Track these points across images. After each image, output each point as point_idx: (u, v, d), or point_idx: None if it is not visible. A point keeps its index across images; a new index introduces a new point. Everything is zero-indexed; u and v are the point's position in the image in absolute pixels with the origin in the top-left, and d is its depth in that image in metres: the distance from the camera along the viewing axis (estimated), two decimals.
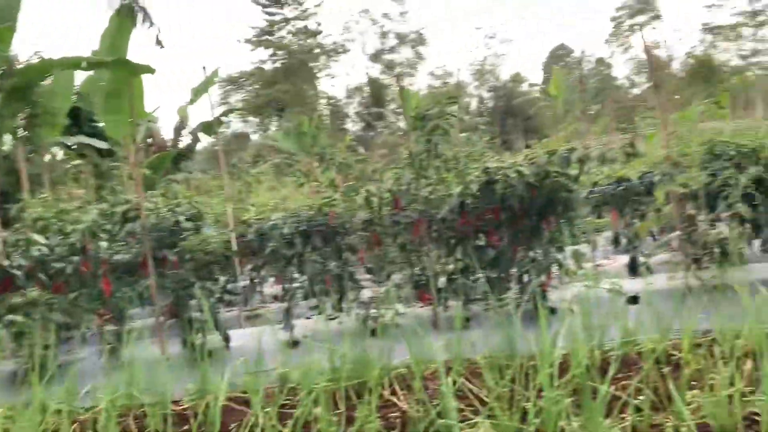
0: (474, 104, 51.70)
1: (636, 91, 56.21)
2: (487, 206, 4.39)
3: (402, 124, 29.33)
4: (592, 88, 53.31)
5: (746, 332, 3.06)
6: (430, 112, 4.68)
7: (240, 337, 5.07)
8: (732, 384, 2.53)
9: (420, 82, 54.09)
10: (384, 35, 51.62)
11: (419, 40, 51.70)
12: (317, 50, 45.37)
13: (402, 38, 51.22)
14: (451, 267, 4.66)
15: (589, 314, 3.52)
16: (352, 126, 46.11)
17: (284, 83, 41.80)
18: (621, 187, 4.62)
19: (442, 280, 4.67)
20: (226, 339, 4.79)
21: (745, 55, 48.34)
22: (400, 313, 4.88)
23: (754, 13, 45.62)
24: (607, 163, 5.99)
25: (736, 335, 3.11)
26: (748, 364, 2.68)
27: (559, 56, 65.33)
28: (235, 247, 5.26)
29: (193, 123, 17.12)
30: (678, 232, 4.40)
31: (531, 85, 51.57)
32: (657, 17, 53.25)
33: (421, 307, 4.90)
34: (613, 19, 54.66)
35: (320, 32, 45.00)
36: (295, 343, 4.56)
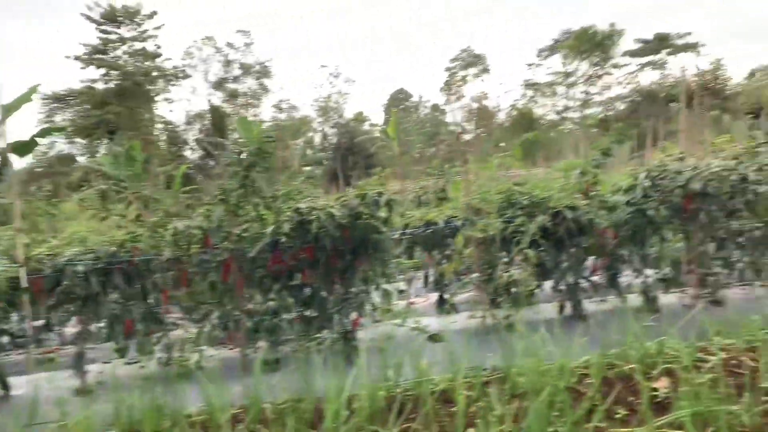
0: (317, 139, 52.31)
1: (467, 137, 60.53)
2: (301, 246, 4.40)
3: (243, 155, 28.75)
4: (427, 132, 56.56)
5: (525, 370, 3.30)
6: (249, 148, 4.62)
7: (25, 383, 4.55)
8: (502, 422, 2.72)
9: (264, 114, 53.52)
10: (228, 64, 50.77)
11: (264, 71, 51.55)
12: (155, 73, 43.35)
13: (246, 68, 50.74)
14: (263, 307, 4.58)
15: (391, 353, 3.62)
16: (191, 154, 44.22)
17: (117, 105, 39.27)
18: (429, 230, 4.88)
19: (253, 321, 4.56)
20: (5, 386, 4.27)
21: (559, 110, 54.26)
22: (207, 355, 4.69)
23: (566, 74, 51.51)
24: (421, 205, 6.33)
25: (518, 373, 3.35)
26: (518, 402, 2.91)
27: (398, 99, 68.52)
28: (25, 283, 4.74)
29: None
30: (477, 274, 4.73)
31: (372, 124, 53.45)
32: (486, 71, 58.11)
33: (231, 349, 4.75)
34: (447, 69, 58.66)
35: (159, 55, 43.11)
36: (87, 391, 4.19)
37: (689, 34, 46.75)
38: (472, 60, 58.02)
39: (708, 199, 4.85)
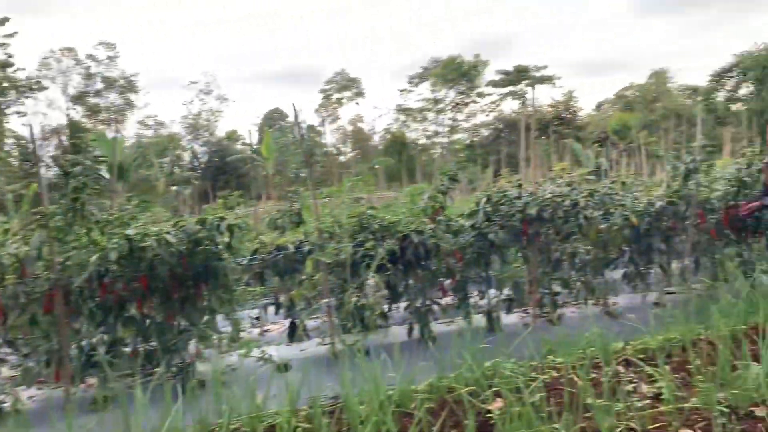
0: (186, 158, 50.25)
1: (342, 158, 61.05)
2: (133, 275, 4.09)
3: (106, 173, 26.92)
4: (302, 153, 56.36)
5: (367, 399, 3.24)
6: (76, 168, 4.24)
7: None
8: None
9: (129, 130, 50.71)
10: (89, 77, 47.69)
11: (129, 86, 48.97)
12: (5, 83, 39.80)
13: (110, 82, 47.95)
14: (93, 340, 4.20)
15: (232, 386, 3.43)
16: (46, 171, 40.78)
17: None
18: (279, 255, 4.76)
19: (81, 356, 4.17)
20: None
21: (429, 135, 56.35)
22: (29, 396, 4.22)
23: (435, 101, 53.69)
24: (278, 229, 6.18)
25: (360, 401, 3.28)
26: None
27: (273, 119, 67.80)
28: None
29: None
30: (327, 300, 4.66)
31: (245, 144, 52.26)
32: (360, 94, 59.10)
33: (55, 387, 4.30)
34: (323, 91, 58.99)
35: (11, 65, 39.68)
36: None
37: (546, 67, 50.64)
38: (347, 83, 58.78)
39: (543, 224, 5.15)
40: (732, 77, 34.94)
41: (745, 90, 34.99)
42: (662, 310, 4.82)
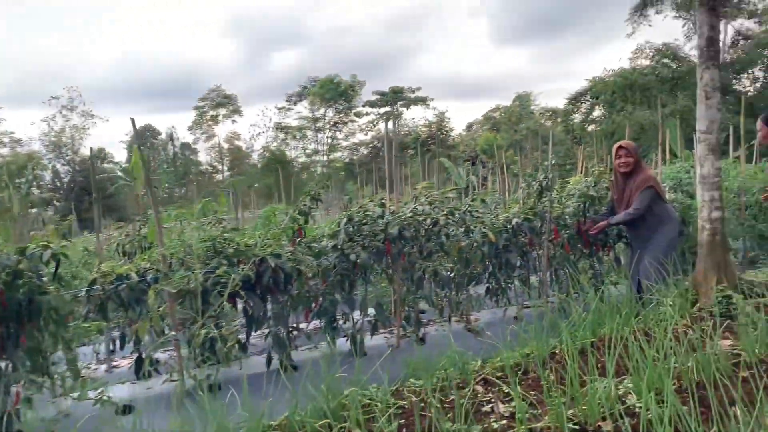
0: (48, 177, 46.36)
1: (218, 177, 59.18)
2: None
3: None
4: (177, 172, 54.02)
5: None
6: None
7: None
8: None
9: None
10: None
11: None
12: None
13: None
14: None
15: None
16: None
17: None
18: (122, 285, 4.32)
19: None
20: None
21: (309, 153, 56.13)
22: None
23: (314, 120, 53.67)
24: (126, 256, 5.67)
25: None
26: None
27: (145, 136, 64.54)
28: None
29: None
30: (174, 332, 4.29)
31: (114, 162, 49.19)
32: (237, 111, 57.75)
33: None
34: (197, 108, 57.09)
35: None
36: None
37: (419, 88, 52.43)
38: (222, 100, 57.29)
39: (406, 242, 5.10)
40: (586, 100, 37.94)
41: (597, 112, 38.12)
42: (520, 325, 4.93)
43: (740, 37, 36.23)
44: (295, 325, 5.15)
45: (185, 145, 61.41)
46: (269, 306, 4.78)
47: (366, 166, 55.67)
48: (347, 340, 4.97)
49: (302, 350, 5.11)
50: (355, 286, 5.17)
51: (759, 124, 5.88)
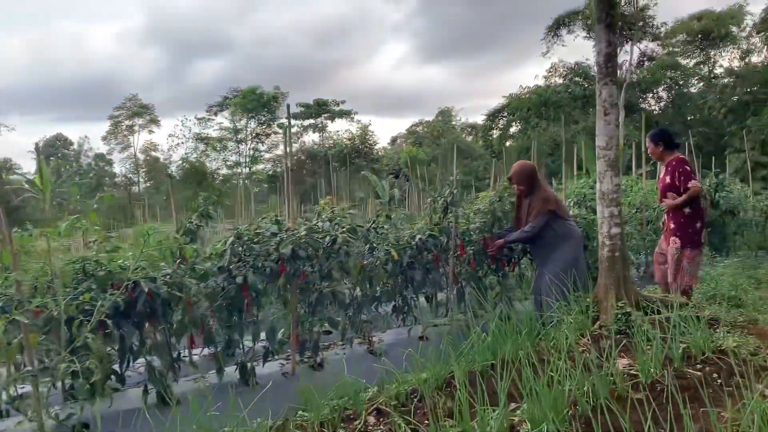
0: None
1: (134, 189, 56.79)
2: None
3: None
4: (89, 184, 51.38)
5: None
6: None
7: None
8: None
9: None
10: None
11: None
12: None
13: None
14: None
15: None
16: None
17: None
18: None
19: None
20: None
21: (230, 165, 54.77)
22: None
23: (236, 131, 52.45)
24: None
25: None
26: None
27: (55, 146, 61.16)
28: None
29: None
30: (31, 367, 3.79)
31: (21, 173, 46.11)
32: (154, 122, 55.73)
33: None
34: (111, 117, 54.78)
35: None
36: None
37: (344, 102, 52.25)
38: (139, 110, 55.18)
39: (303, 262, 4.79)
40: (504, 117, 38.97)
41: (514, 128, 39.23)
42: (424, 346, 4.72)
43: (645, 58, 38.32)
44: (184, 353, 4.72)
45: (99, 156, 58.66)
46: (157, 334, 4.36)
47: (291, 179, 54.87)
48: (235, 369, 4.59)
49: (187, 381, 4.68)
50: (248, 310, 4.80)
51: (648, 141, 6.00)
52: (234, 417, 3.37)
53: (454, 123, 49.25)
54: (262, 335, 4.89)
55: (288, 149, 4.99)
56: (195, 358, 4.86)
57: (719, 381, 3.78)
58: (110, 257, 4.19)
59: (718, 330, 4.66)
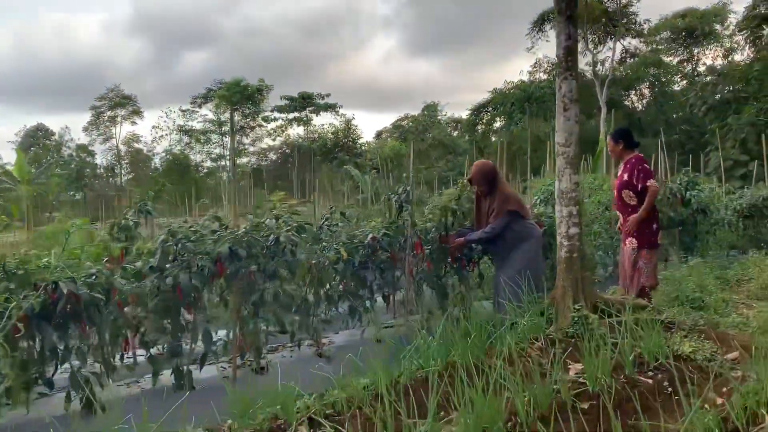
0: None
1: (116, 180, 56.12)
2: None
3: None
4: (69, 175, 50.64)
5: None
6: None
7: None
8: None
9: None
10: None
11: None
12: None
13: None
14: None
15: None
16: None
17: None
18: None
19: None
20: None
21: (214, 158, 54.27)
22: None
23: (219, 123, 51.92)
24: None
25: None
26: None
27: (36, 137, 60.20)
28: None
29: None
30: None
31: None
32: (137, 113, 55.03)
33: None
34: (93, 108, 54.05)
35: None
36: None
37: (329, 95, 51.79)
38: (121, 100, 54.44)
39: (245, 262, 4.57)
40: (488, 111, 38.82)
41: (498, 123, 39.12)
42: (379, 347, 4.52)
43: (627, 55, 38.31)
44: (116, 356, 4.48)
45: (81, 147, 57.84)
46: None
47: (275, 173, 54.49)
48: (171, 373, 4.37)
49: (120, 385, 4.45)
50: (189, 311, 4.57)
51: (609, 139, 5.83)
52: (163, 424, 3.15)
53: (439, 117, 49.02)
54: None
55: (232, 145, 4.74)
56: (129, 361, 4.63)
57: (670, 389, 3.62)
58: (36, 256, 3.95)
59: (674, 334, 4.50)
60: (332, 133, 48.53)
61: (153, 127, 66.76)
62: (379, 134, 55.22)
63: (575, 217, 5.31)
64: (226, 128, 51.98)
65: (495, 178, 5.50)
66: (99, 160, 57.26)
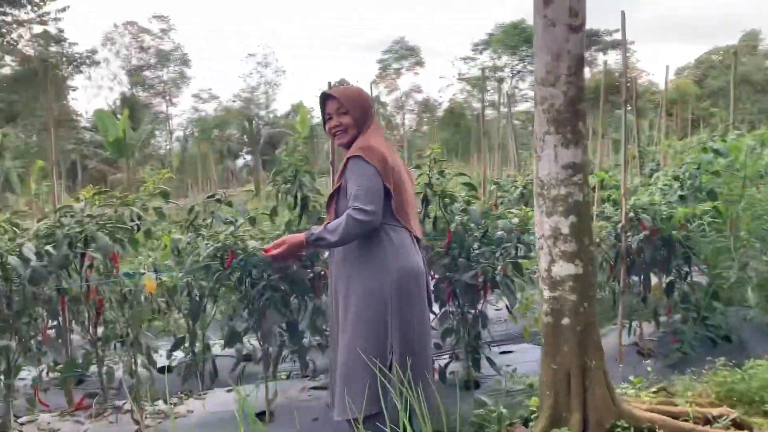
0: (240, 131, 49.81)
1: (400, 132, 58.95)
2: None
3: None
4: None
5: None
6: None
7: None
8: None
9: (184, 104, 51.71)
10: (143, 50, 48.37)
11: (183, 59, 49.21)
12: (58, 59, 40.75)
13: (163, 56, 48.36)
14: None
15: None
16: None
17: (15, 92, 36.65)
18: None
19: None
20: None
21: (487, 105, 52.86)
22: None
23: (495, 69, 50.14)
24: None
25: None
26: None
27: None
28: None
29: None
30: None
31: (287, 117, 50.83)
32: (420, 63, 56.47)
33: None
34: (380, 61, 56.98)
35: (64, 39, 40.37)
36: None
37: (617, 30, 45.43)
38: (406, 52, 56.34)
39: None
40: None
41: None
42: None
43: None
44: None
45: (374, 99, 61.93)
46: None
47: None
48: None
49: None
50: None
51: None
52: None
53: (760, 48, 39.08)
54: None
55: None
56: None
57: None
58: None
59: None
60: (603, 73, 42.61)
61: (440, 77, 68.00)
62: (680, 71, 46.88)
63: (570, 240, 2.53)
64: (501, 74, 49.96)
65: (369, 113, 2.92)
66: (388, 111, 60.63)
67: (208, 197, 3.69)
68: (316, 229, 2.79)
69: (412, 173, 3.32)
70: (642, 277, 4.32)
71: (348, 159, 2.76)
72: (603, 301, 4.94)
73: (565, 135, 2.48)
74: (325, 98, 2.89)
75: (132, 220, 3.30)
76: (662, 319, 4.42)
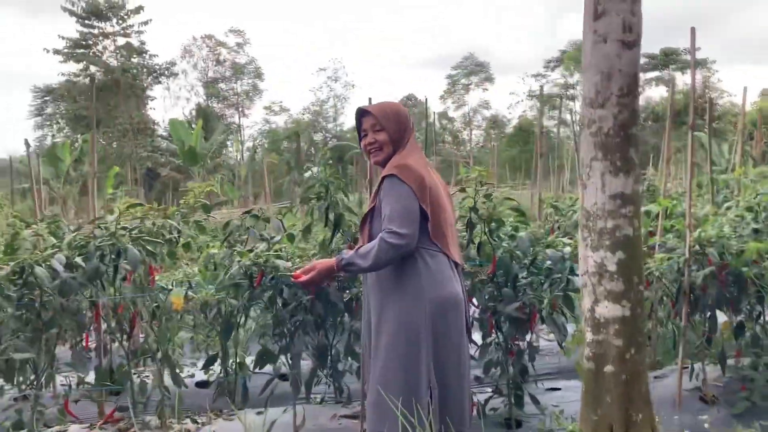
0: (309, 144, 50.72)
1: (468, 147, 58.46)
2: None
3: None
4: (428, 141, 54.70)
5: None
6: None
7: None
8: None
9: (255, 116, 53.24)
10: (219, 63, 50.08)
11: (256, 72, 50.61)
12: (138, 70, 42.78)
13: (238, 69, 49.90)
14: None
15: None
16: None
17: (98, 100, 38.68)
18: None
19: None
20: None
21: (558, 123, 51.68)
22: None
23: (566, 86, 49.08)
24: None
25: None
26: None
27: (406, 106, 66.85)
28: None
29: None
30: None
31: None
32: (489, 79, 56.02)
33: None
34: (449, 76, 56.89)
35: (145, 51, 42.37)
36: None
37: (698, 49, 43.49)
38: (475, 68, 56.06)
39: None
40: None
41: None
42: None
43: None
44: None
45: (442, 114, 61.77)
46: None
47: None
48: None
49: None
50: None
51: None
52: None
53: None
54: None
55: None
56: None
57: None
58: None
59: None
60: (680, 93, 40.85)
61: (510, 93, 67.21)
62: (764, 94, 44.45)
63: (617, 278, 2.31)
64: (573, 92, 48.82)
65: (406, 130, 2.77)
66: (456, 126, 60.24)
67: (244, 212, 3.65)
68: (347, 254, 2.67)
69: (452, 194, 3.15)
70: (708, 315, 3.97)
71: (383, 178, 2.65)
72: (665, 340, 4.60)
73: (614, 162, 2.26)
74: (360, 114, 2.79)
75: (170, 233, 3.30)
76: (729, 362, 4.05)
